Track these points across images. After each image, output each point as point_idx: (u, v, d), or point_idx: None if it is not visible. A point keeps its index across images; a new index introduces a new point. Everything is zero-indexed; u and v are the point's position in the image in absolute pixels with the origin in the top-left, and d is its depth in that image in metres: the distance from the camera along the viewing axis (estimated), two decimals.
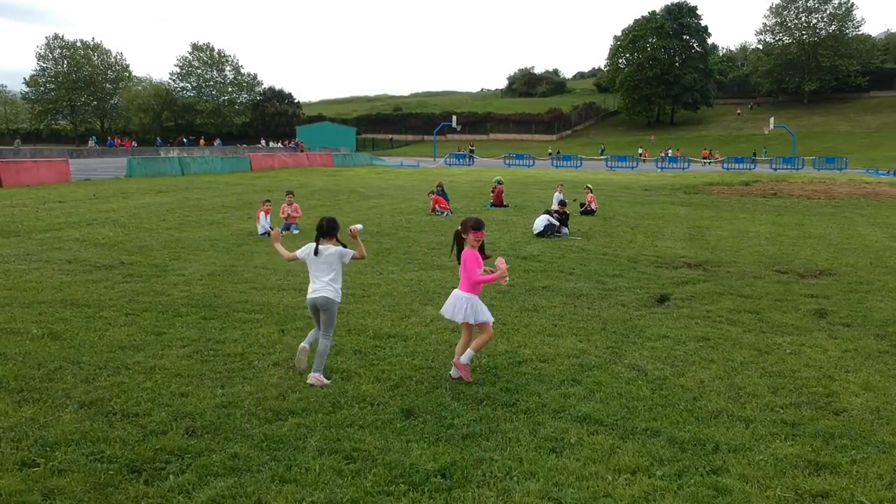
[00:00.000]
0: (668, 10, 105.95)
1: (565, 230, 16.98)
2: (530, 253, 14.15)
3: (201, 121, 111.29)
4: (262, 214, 16.09)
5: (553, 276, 11.77)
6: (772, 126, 71.26)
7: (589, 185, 23.52)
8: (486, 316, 6.64)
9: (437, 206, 21.42)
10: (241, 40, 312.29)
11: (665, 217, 21.48)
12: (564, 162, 59.61)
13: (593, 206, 21.96)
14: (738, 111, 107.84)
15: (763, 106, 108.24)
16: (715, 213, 22.68)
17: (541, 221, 16.84)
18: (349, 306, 9.25)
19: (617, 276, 11.85)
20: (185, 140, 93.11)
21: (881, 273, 12.53)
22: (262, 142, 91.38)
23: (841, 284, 11.42)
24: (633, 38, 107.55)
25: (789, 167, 53.94)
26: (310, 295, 6.59)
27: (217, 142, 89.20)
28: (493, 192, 24.59)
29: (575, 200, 22.15)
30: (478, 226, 6.57)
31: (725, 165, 56.44)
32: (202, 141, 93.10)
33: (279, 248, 6.93)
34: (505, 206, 24.03)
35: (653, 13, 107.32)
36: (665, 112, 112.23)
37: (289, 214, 16.74)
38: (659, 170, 54.56)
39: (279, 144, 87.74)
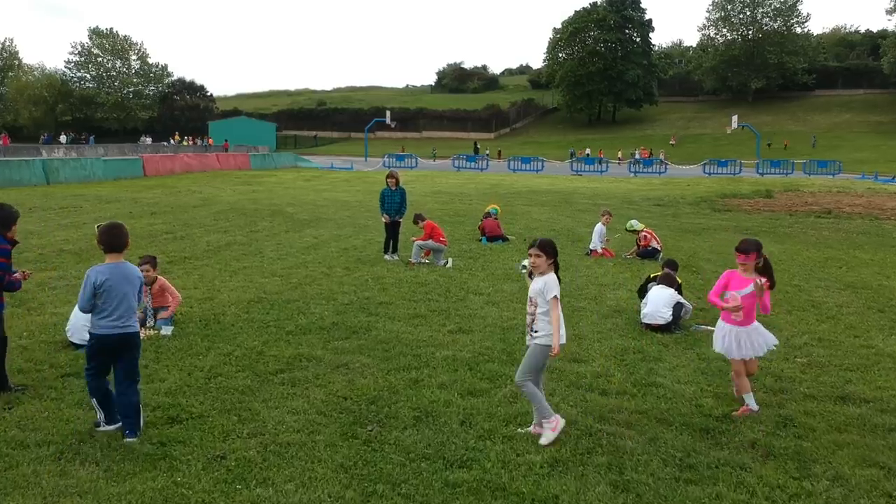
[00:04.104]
0: (611, 1, 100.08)
1: (688, 307, 9.10)
2: (706, 409, 6.15)
3: (102, 115, 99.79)
4: None
5: None
6: (734, 125, 65.52)
7: (633, 222, 15.40)
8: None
9: (432, 238, 13.15)
10: (148, 27, 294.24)
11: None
12: (524, 165, 51.67)
13: (655, 243, 14.29)
14: (672, 141, 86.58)
15: (706, 104, 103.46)
16: (822, 253, 15.27)
17: (659, 298, 8.56)
18: None
19: None
20: (75, 136, 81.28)
21: None
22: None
23: None
24: (574, 31, 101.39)
25: (778, 171, 47.67)
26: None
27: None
28: (486, 221, 16.59)
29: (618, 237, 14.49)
30: (745, 248, 5.86)
31: (707, 170, 49.64)
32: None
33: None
34: (505, 238, 16.22)
35: (594, 4, 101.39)
36: (607, 109, 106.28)
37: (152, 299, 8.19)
38: (632, 174, 47.44)
39: (184, 141, 76.14)
